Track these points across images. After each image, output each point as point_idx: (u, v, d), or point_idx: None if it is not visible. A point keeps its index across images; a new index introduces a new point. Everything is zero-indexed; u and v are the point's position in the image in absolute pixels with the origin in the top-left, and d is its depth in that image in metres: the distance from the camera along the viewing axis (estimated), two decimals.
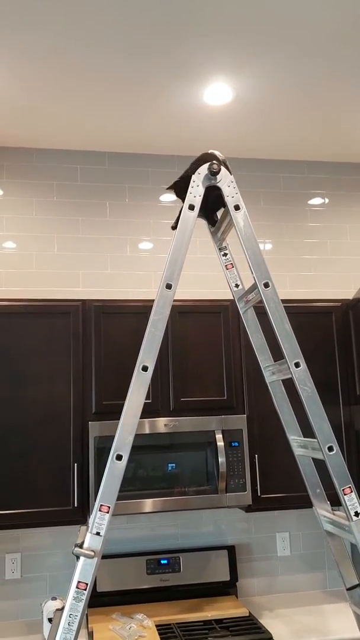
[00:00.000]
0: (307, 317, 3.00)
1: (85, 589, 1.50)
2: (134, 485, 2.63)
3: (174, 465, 2.68)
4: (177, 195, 2.01)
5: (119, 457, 1.58)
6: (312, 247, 3.56)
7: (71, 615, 1.49)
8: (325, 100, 2.95)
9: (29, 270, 3.21)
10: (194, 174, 1.82)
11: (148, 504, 2.63)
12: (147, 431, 2.68)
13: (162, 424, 2.70)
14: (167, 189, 2.03)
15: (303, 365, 1.67)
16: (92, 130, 3.19)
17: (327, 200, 3.62)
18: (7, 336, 2.72)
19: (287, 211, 3.58)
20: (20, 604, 2.86)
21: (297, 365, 1.67)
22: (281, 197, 3.58)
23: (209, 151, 1.93)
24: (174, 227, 1.86)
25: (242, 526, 3.14)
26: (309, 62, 2.62)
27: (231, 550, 3.01)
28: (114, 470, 1.57)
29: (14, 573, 2.88)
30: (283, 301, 1.75)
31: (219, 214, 2.03)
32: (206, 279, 3.37)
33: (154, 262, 3.36)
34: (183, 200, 1.97)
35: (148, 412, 2.71)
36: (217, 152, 1.91)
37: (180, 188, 1.98)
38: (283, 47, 2.51)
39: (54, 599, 2.54)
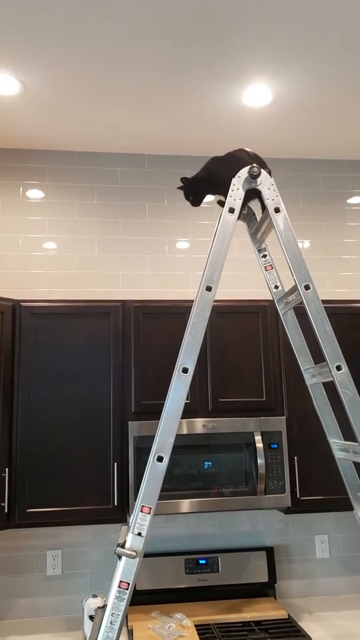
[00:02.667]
0: (347, 317, 2.97)
1: (127, 589, 1.52)
2: (172, 486, 2.65)
3: (212, 466, 2.68)
4: (186, 196, 2.03)
5: (160, 459, 1.59)
6: (352, 246, 3.52)
7: (113, 614, 1.52)
8: None
9: (70, 271, 3.26)
10: (233, 176, 1.82)
11: (186, 505, 2.64)
12: (185, 432, 2.69)
13: (200, 424, 2.71)
14: (178, 188, 2.05)
15: (345, 368, 1.65)
16: (132, 133, 3.22)
17: None
18: (50, 336, 2.77)
19: (326, 211, 3.55)
20: (61, 600, 2.91)
21: (338, 368, 1.65)
22: (320, 196, 3.55)
23: (239, 148, 1.94)
24: (221, 203, 1.86)
25: (280, 527, 3.13)
26: (350, 60, 2.59)
27: (270, 551, 3.00)
28: (155, 472, 1.58)
29: (55, 569, 2.93)
30: (322, 302, 1.73)
31: (258, 216, 2.02)
32: (244, 279, 3.37)
33: (191, 262, 3.37)
34: (191, 202, 1.98)
35: (186, 412, 2.73)
36: (248, 149, 1.92)
37: (191, 190, 2.01)
38: (323, 46, 2.49)
39: (94, 596, 2.57)
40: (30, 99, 2.84)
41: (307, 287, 1.73)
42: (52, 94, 2.81)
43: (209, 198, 3.54)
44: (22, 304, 2.79)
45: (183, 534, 3.06)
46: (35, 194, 3.32)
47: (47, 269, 3.25)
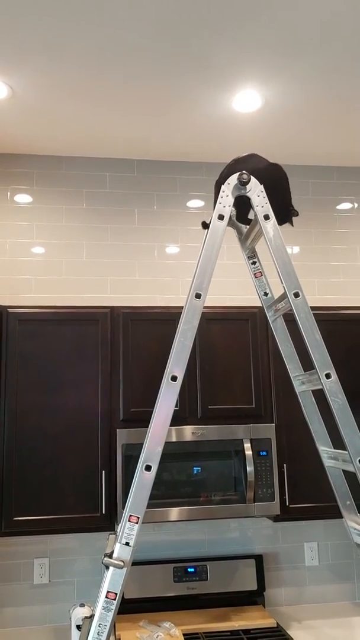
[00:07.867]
0: (336, 324, 2.97)
1: (114, 599, 1.51)
2: (161, 493, 2.63)
3: (201, 473, 2.67)
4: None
5: (148, 468, 1.58)
6: (341, 253, 3.53)
7: (100, 625, 1.50)
8: (357, 106, 2.92)
9: (58, 277, 3.24)
10: (223, 183, 1.81)
11: (175, 513, 2.62)
12: (174, 439, 2.67)
13: (189, 432, 2.70)
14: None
15: (334, 376, 1.65)
16: (121, 138, 3.20)
17: (356, 206, 3.59)
18: (37, 343, 2.75)
19: (316, 217, 3.55)
20: (48, 609, 2.88)
21: (327, 376, 1.65)
22: (310, 203, 3.56)
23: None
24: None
25: (269, 535, 3.11)
26: (339, 67, 2.60)
27: (259, 559, 2.98)
28: (143, 481, 1.57)
29: (42, 578, 2.90)
30: (312, 308, 1.73)
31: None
32: (233, 285, 3.37)
33: (181, 268, 3.36)
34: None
35: (175, 419, 2.71)
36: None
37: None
38: (313, 53, 2.49)
39: (82, 605, 2.54)
40: (18, 103, 2.82)
41: (296, 295, 1.73)
42: (41, 98, 2.79)
43: (199, 204, 3.54)
44: (9, 310, 2.76)
45: (172, 541, 3.04)
46: (23, 198, 3.29)
47: (34, 274, 3.23)
